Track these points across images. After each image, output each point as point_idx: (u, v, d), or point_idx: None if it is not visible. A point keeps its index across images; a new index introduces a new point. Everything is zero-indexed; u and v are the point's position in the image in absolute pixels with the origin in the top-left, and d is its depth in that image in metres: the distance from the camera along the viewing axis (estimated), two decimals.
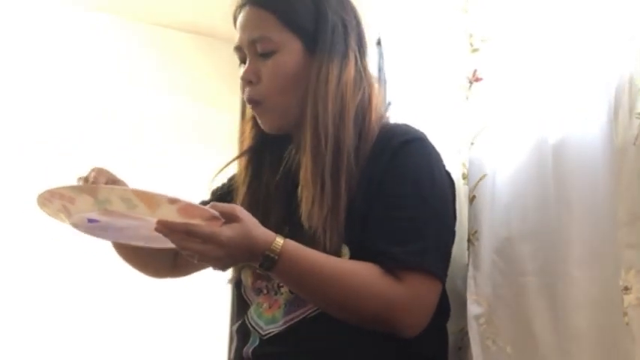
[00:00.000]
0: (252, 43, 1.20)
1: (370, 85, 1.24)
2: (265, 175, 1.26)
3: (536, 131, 1.10)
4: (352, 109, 1.18)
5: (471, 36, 1.20)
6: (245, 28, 1.21)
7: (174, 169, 3.63)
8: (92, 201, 0.95)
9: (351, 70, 1.20)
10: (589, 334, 0.99)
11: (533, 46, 1.13)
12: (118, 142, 3.60)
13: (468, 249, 1.21)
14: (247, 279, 1.26)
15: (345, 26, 1.22)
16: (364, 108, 1.21)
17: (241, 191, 1.28)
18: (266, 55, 1.19)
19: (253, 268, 1.21)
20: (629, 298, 0.90)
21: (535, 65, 1.12)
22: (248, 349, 1.19)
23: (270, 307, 1.20)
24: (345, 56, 1.20)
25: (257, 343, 1.19)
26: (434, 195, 1.14)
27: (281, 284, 1.18)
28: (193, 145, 3.70)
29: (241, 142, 1.32)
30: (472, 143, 1.20)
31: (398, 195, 1.12)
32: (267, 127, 1.23)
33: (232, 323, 2.00)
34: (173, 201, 0.96)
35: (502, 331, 1.14)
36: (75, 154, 3.50)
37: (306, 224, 1.12)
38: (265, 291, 1.22)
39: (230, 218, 1.01)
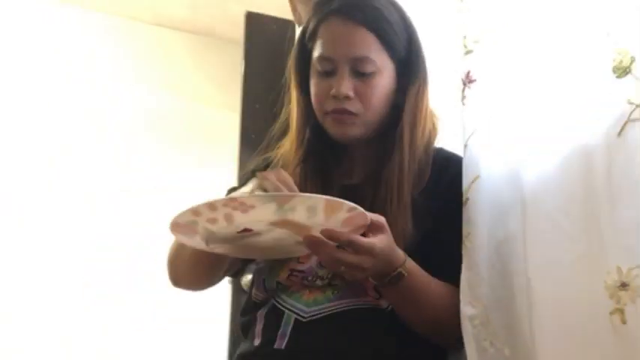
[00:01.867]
0: (353, 61, 1.24)
1: (432, 110, 1.36)
2: (322, 179, 1.31)
3: (529, 132, 1.10)
4: (427, 130, 1.32)
5: (464, 37, 1.20)
6: (345, 43, 1.24)
7: (174, 169, 3.64)
8: (275, 209, 0.97)
9: (429, 95, 1.33)
10: (578, 335, 0.99)
11: (527, 47, 1.12)
12: (117, 142, 3.61)
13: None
14: (280, 274, 1.27)
15: (424, 55, 1.32)
16: (431, 129, 1.34)
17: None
18: (364, 75, 1.24)
19: (290, 267, 1.26)
20: (627, 295, 0.89)
21: (530, 66, 1.12)
22: (285, 329, 1.21)
23: (311, 292, 1.23)
24: (428, 84, 1.32)
25: (292, 323, 1.21)
26: None
27: (319, 278, 1.23)
28: (193, 144, 3.71)
29: (291, 140, 1.36)
30: (466, 145, 1.19)
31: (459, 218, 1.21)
32: (346, 138, 1.29)
33: (233, 321, 2.01)
34: (351, 209, 1.00)
35: (500, 333, 1.14)
36: (74, 153, 3.52)
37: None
38: (299, 284, 1.25)
39: (378, 229, 1.06)
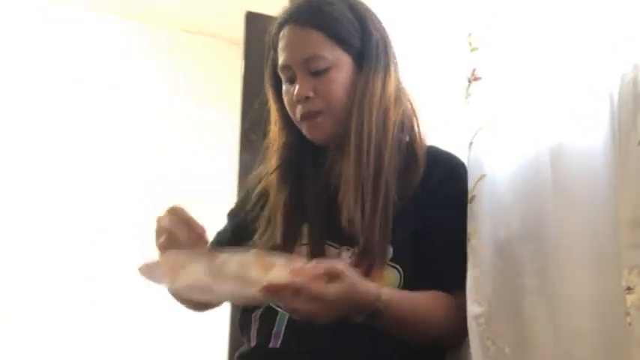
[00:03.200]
0: (305, 62, 1.27)
1: (411, 101, 1.34)
2: (304, 184, 1.31)
3: (535, 131, 1.10)
4: (394, 120, 1.28)
5: (470, 35, 1.20)
6: (295, 47, 1.28)
7: (173, 169, 3.64)
8: (206, 265, 1.00)
9: (392, 83, 1.30)
10: (590, 336, 0.99)
11: (533, 45, 1.12)
12: (117, 142, 3.61)
13: (467, 248, 1.21)
14: None
15: (385, 43, 1.32)
16: (409, 121, 1.32)
17: (277, 200, 1.32)
18: (319, 73, 1.27)
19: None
20: (631, 298, 0.90)
21: (535, 64, 1.12)
22: (278, 329, 1.22)
23: None
24: (387, 71, 1.30)
25: (285, 322, 1.22)
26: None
27: None
28: (193, 144, 3.71)
29: (272, 151, 1.37)
30: (471, 143, 1.20)
31: (450, 219, 1.24)
32: (319, 139, 1.31)
33: (233, 321, 2.01)
34: (286, 265, 1.02)
35: (502, 331, 1.14)
36: (75, 153, 3.52)
37: (347, 229, 1.21)
38: None
39: (334, 276, 1.06)
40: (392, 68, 1.32)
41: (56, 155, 3.48)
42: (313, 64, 1.26)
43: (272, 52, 1.35)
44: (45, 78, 3.52)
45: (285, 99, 1.31)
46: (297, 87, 1.26)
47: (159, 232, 1.16)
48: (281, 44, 1.30)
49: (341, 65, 1.28)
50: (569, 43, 1.06)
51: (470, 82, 1.20)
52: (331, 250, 1.25)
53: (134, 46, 3.76)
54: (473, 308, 1.17)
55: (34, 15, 3.55)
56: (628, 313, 0.90)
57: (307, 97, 1.26)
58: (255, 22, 2.47)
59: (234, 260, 1.00)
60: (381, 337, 1.19)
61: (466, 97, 1.21)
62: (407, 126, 1.32)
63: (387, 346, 1.20)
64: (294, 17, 1.30)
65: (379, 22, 1.34)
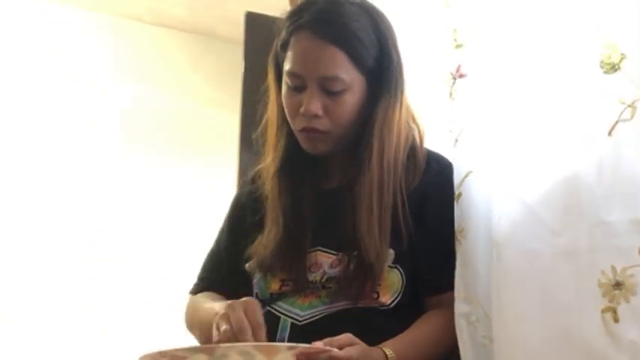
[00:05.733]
0: (322, 79, 1.21)
1: (413, 112, 1.33)
2: (297, 185, 1.31)
3: (520, 128, 1.09)
4: (405, 139, 1.29)
5: (455, 31, 1.20)
6: (313, 61, 1.21)
7: (174, 169, 3.65)
8: (206, 358, 0.97)
9: (404, 105, 1.28)
10: (573, 335, 0.98)
11: (518, 42, 1.12)
12: (118, 142, 3.62)
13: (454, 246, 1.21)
14: (272, 286, 1.29)
15: (399, 62, 1.28)
16: (412, 131, 1.32)
17: (273, 198, 1.31)
18: (333, 93, 1.22)
19: (280, 277, 1.28)
20: (621, 294, 0.89)
21: (520, 61, 1.11)
22: (282, 335, 1.22)
23: (306, 297, 1.25)
24: (402, 95, 1.28)
25: (289, 328, 1.22)
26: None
27: (314, 286, 1.25)
28: (193, 145, 3.72)
29: (269, 145, 1.35)
30: (456, 140, 1.19)
31: (439, 221, 1.25)
32: (317, 152, 1.28)
33: None
34: (291, 347, 0.99)
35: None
36: (75, 153, 3.53)
37: (347, 236, 1.22)
38: (292, 289, 1.27)
39: (349, 344, 1.07)
40: (404, 90, 1.29)
41: (56, 155, 3.49)
42: (330, 84, 1.21)
43: (280, 45, 1.28)
44: (45, 78, 3.53)
45: (287, 103, 1.26)
46: (307, 101, 1.21)
47: (225, 319, 1.09)
48: (296, 49, 1.23)
49: (355, 87, 1.23)
50: (555, 41, 1.05)
51: (455, 78, 1.20)
52: (326, 257, 1.26)
53: (134, 46, 3.77)
54: (461, 307, 1.17)
55: (35, 15, 3.56)
56: (613, 310, 0.89)
57: (315, 115, 1.22)
58: (255, 22, 2.47)
59: (235, 350, 0.96)
60: (384, 337, 1.18)
61: (451, 95, 1.21)
62: (410, 136, 1.32)
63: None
64: (314, 26, 1.22)
65: (396, 40, 1.29)
